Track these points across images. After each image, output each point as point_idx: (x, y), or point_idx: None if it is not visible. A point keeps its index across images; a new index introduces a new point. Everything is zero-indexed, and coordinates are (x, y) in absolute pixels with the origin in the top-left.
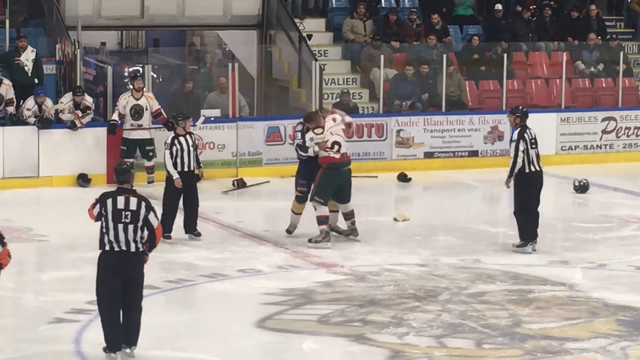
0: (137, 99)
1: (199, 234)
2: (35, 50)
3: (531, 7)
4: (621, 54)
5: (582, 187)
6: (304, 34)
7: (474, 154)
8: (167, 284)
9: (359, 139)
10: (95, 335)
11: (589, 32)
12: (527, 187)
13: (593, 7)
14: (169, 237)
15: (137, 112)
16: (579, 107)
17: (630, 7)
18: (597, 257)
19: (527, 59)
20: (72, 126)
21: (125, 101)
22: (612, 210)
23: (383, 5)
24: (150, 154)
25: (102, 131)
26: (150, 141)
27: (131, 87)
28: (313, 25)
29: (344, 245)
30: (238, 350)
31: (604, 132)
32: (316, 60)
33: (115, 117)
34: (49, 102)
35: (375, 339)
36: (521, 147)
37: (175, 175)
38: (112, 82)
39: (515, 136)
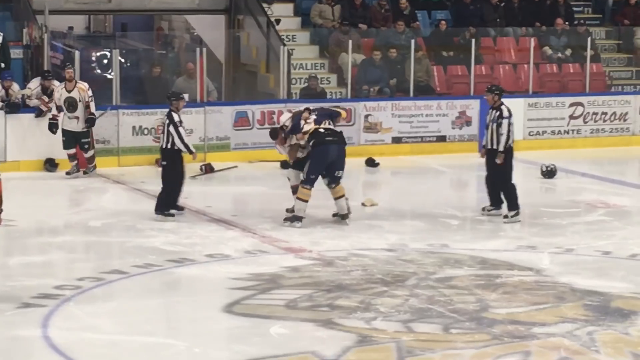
0: (69, 91)
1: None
2: (2, 34)
3: None
4: (589, 39)
5: (549, 172)
6: (272, 19)
7: (441, 139)
8: (135, 268)
9: None
10: (62, 321)
11: (556, 18)
12: (511, 159)
13: None
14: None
15: (70, 104)
16: (546, 93)
17: None
18: (565, 242)
19: (495, 44)
20: (39, 113)
21: (59, 93)
22: (580, 196)
23: None
24: (86, 146)
25: None
26: (85, 133)
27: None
28: (281, 10)
29: (312, 231)
30: (206, 335)
31: (572, 117)
32: (284, 45)
33: (54, 111)
34: (15, 86)
35: (343, 324)
36: (512, 124)
37: (194, 150)
38: (80, 67)
39: (506, 112)
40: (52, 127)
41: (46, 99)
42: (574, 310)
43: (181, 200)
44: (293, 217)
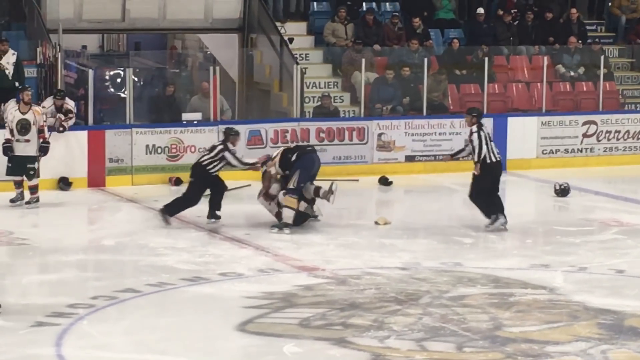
0: (24, 113)
1: (219, 217)
2: (16, 53)
3: (512, 11)
4: (602, 57)
5: (562, 191)
6: (285, 38)
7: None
8: (148, 287)
9: (340, 142)
10: (75, 339)
11: (569, 36)
12: (487, 175)
13: (574, 10)
14: (219, 218)
15: (23, 127)
16: (559, 111)
17: (611, 11)
18: (578, 260)
19: (508, 62)
20: (56, 130)
21: (12, 115)
22: (593, 214)
23: (364, 8)
24: (31, 172)
25: (83, 135)
26: (33, 159)
27: (20, 99)
28: (294, 29)
29: (325, 249)
30: (219, 353)
31: (585, 135)
32: (297, 63)
33: (9, 135)
34: None
35: (356, 343)
36: (482, 138)
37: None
38: (93, 86)
39: (475, 128)
40: (7, 150)
41: (62, 117)
42: (588, 328)
43: (193, 219)
44: (282, 225)
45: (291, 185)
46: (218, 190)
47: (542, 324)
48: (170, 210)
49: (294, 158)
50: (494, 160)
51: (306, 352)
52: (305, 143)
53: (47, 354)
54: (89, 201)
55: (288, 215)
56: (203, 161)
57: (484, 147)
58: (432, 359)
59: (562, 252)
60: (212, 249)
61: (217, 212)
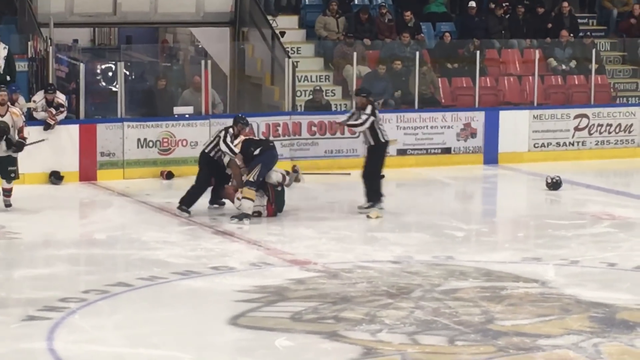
0: (2, 115)
1: (223, 203)
2: (7, 47)
3: (504, 5)
4: (593, 51)
5: (554, 184)
6: (277, 31)
7: (446, 151)
8: (140, 281)
9: (332, 136)
10: (67, 333)
11: (561, 30)
12: (380, 156)
13: (565, 4)
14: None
15: (0, 129)
16: (551, 105)
17: (603, 4)
18: (570, 253)
19: (500, 56)
20: (47, 127)
21: None
22: (585, 207)
23: (356, 2)
24: (12, 174)
25: (75, 128)
26: (13, 161)
27: None
28: (286, 23)
29: (317, 243)
30: (211, 347)
31: (577, 129)
32: (289, 57)
33: None
34: (21, 99)
35: (348, 336)
36: (374, 120)
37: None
38: (85, 79)
39: (369, 111)
40: None
41: (53, 111)
42: (580, 322)
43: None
44: (241, 215)
45: (251, 178)
46: (221, 181)
47: (534, 317)
48: (186, 202)
49: (256, 152)
50: (383, 140)
51: (298, 345)
52: (265, 138)
53: (38, 347)
54: (81, 195)
55: (247, 206)
56: (205, 148)
57: (375, 128)
58: (424, 352)
59: (554, 245)
60: (204, 242)
61: (221, 200)
